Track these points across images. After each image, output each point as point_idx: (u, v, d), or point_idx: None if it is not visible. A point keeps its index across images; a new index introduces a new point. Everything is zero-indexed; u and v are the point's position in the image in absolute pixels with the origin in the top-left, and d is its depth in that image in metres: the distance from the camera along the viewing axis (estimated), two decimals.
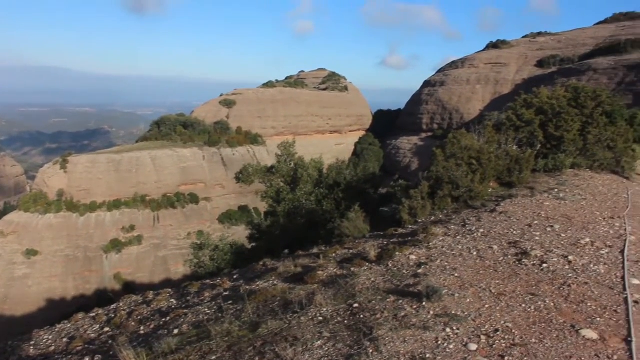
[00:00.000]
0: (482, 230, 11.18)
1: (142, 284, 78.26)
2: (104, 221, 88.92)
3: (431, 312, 6.66)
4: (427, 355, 5.68)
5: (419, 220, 14.07)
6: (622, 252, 9.82)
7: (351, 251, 11.31)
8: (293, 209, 21.27)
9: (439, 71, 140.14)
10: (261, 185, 24.76)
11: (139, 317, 11.00)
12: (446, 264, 8.86)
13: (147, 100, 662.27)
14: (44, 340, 11.21)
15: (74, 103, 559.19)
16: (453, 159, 16.12)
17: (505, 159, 18.04)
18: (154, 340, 8.37)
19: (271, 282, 10.00)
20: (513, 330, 6.25)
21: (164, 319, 9.96)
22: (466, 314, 6.65)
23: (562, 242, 10.29)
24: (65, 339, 10.97)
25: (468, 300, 7.14)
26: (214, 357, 6.51)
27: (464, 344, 5.89)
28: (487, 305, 6.97)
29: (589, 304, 7.14)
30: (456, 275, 8.24)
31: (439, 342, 5.90)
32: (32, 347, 10.96)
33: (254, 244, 23.21)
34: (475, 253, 9.50)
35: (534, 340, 6.02)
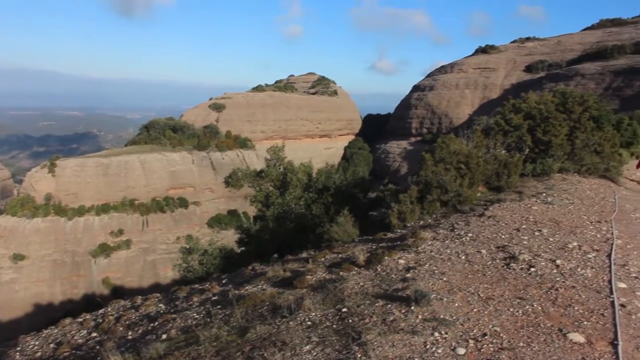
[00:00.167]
0: (470, 235, 11.22)
1: (131, 289, 77.83)
2: (92, 225, 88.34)
3: (420, 317, 6.67)
4: None
5: (408, 225, 14.09)
6: (609, 255, 9.89)
7: (340, 255, 11.31)
8: (282, 213, 21.23)
9: (428, 76, 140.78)
10: (250, 190, 24.69)
11: (127, 322, 10.94)
12: (435, 268, 8.88)
13: (136, 104, 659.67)
14: (30, 346, 11.12)
15: (63, 106, 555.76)
16: (442, 163, 16.18)
17: (494, 163, 18.12)
18: (142, 345, 8.32)
19: (260, 286, 9.98)
20: (501, 334, 6.27)
21: (152, 324, 9.91)
22: (454, 318, 6.67)
23: (550, 246, 10.35)
24: (52, 345, 10.89)
25: (456, 304, 7.16)
26: None
27: (452, 348, 5.90)
28: (475, 310, 6.99)
29: (576, 308, 7.18)
30: (445, 279, 8.26)
31: (428, 347, 5.91)
32: (18, 353, 10.86)
33: (243, 248, 23.12)
34: (463, 257, 9.53)
35: (521, 344, 6.04)
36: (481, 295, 7.56)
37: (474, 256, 9.61)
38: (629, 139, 37.38)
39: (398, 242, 11.40)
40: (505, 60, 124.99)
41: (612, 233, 11.93)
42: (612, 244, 10.87)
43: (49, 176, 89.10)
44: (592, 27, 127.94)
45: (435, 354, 5.76)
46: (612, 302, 7.43)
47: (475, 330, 6.35)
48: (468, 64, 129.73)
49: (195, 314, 9.44)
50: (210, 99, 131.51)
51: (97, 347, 9.66)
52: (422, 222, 14.16)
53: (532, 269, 8.78)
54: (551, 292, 7.73)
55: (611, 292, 7.85)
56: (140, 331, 9.83)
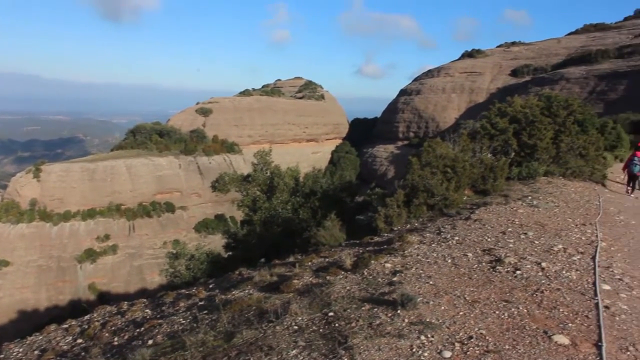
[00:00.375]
0: (457, 238, 11.27)
1: (118, 294, 77.38)
2: (78, 230, 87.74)
3: (406, 320, 6.68)
4: None
5: (395, 229, 14.12)
6: (594, 258, 9.98)
7: (327, 260, 11.31)
8: (269, 217, 21.22)
9: (415, 80, 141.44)
10: (237, 194, 24.67)
11: (113, 328, 10.85)
12: (421, 271, 8.90)
13: (123, 109, 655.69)
14: (14, 353, 11.00)
15: (48, 111, 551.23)
16: (428, 167, 16.24)
17: (480, 167, 18.23)
18: (128, 351, 8.27)
19: (247, 291, 9.95)
20: (487, 337, 6.29)
21: (138, 330, 9.84)
22: (440, 321, 6.69)
23: (536, 249, 10.41)
24: (36, 352, 10.78)
25: (442, 307, 7.18)
26: None
27: (438, 351, 5.91)
28: (461, 313, 7.01)
29: (561, 310, 7.23)
30: (431, 282, 8.28)
31: (414, 350, 5.92)
32: None
33: (230, 253, 23.08)
34: (450, 261, 9.57)
35: (507, 347, 6.07)
36: (467, 298, 7.59)
37: (460, 259, 9.65)
38: (613, 143, 37.82)
39: (385, 246, 11.42)
40: (491, 64, 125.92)
41: (597, 235, 12.04)
42: (596, 246, 10.97)
43: (34, 181, 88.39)
44: (576, 32, 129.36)
45: (422, 357, 5.77)
46: (597, 304, 7.49)
47: (461, 333, 6.37)
48: (455, 68, 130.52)
49: (181, 319, 9.38)
50: (197, 103, 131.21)
51: (83, 353, 9.58)
52: (408, 226, 14.20)
53: (518, 272, 8.83)
54: (536, 295, 7.78)
55: (595, 294, 7.92)
56: (126, 337, 9.75)
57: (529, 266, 9.19)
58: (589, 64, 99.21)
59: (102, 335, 10.38)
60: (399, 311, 6.93)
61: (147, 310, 11.85)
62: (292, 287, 8.91)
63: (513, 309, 7.18)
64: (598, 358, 5.93)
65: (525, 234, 11.69)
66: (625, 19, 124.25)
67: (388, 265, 9.45)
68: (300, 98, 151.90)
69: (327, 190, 21.45)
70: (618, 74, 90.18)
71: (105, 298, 74.02)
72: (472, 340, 6.20)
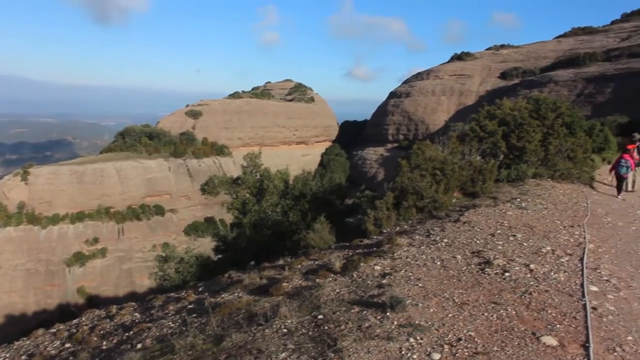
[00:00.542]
0: (446, 240, 11.30)
1: (107, 298, 76.85)
2: (67, 234, 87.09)
3: (395, 323, 6.69)
4: None
5: (384, 231, 14.14)
6: (581, 259, 10.05)
7: (316, 262, 11.31)
8: (259, 220, 21.18)
9: (405, 82, 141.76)
10: (227, 197, 24.62)
11: (101, 332, 10.80)
12: (410, 274, 8.92)
13: (111, 111, 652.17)
14: (2, 358, 10.92)
15: (36, 113, 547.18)
16: (418, 169, 16.28)
17: (469, 169, 18.30)
18: (117, 355, 8.24)
19: (236, 294, 9.94)
20: (476, 339, 6.31)
21: (127, 334, 9.80)
22: (430, 323, 6.70)
23: (524, 251, 10.47)
24: (23, 357, 10.71)
25: (431, 310, 7.20)
26: None
27: (427, 353, 5.93)
28: (450, 315, 7.04)
29: (549, 311, 7.27)
30: (420, 285, 8.30)
31: (403, 352, 5.93)
32: None
33: (219, 256, 23.01)
34: (439, 263, 9.59)
35: (495, 349, 6.09)
36: (456, 300, 7.62)
37: (449, 262, 9.68)
38: (601, 145, 38.08)
39: (374, 249, 11.44)
40: (480, 67, 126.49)
41: (585, 237, 12.12)
42: (584, 248, 11.04)
43: (21, 184, 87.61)
44: (564, 35, 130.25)
45: None
46: (584, 305, 7.54)
47: (450, 335, 6.39)
48: (444, 71, 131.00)
49: (170, 323, 9.36)
50: (187, 105, 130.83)
51: (71, 358, 9.53)
52: (398, 228, 14.22)
53: (507, 274, 8.87)
54: (525, 297, 7.82)
55: (583, 296, 7.97)
56: (115, 341, 9.71)
57: (517, 268, 9.24)
58: (577, 66, 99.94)
59: (90, 340, 10.33)
60: (388, 314, 6.94)
61: (136, 314, 11.81)
62: (281, 290, 8.91)
63: (502, 311, 7.21)
64: (585, 359, 5.97)
65: (514, 236, 11.75)
66: (613, 22, 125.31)
67: (377, 267, 9.47)
68: (290, 100, 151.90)
69: (316, 192, 21.44)
70: (606, 76, 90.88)
71: (94, 302, 73.40)
72: (461, 342, 6.22)
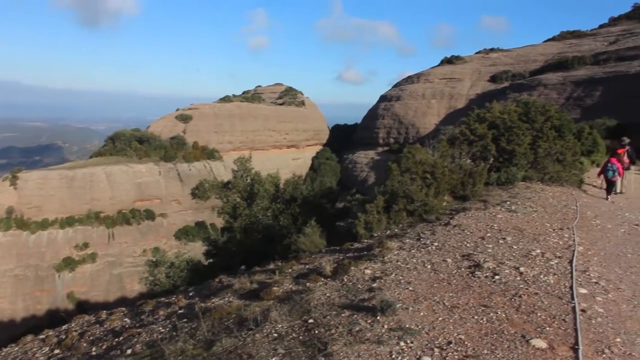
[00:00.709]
0: (436, 244, 11.33)
1: (97, 303, 76.41)
2: (56, 239, 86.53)
3: (385, 326, 6.69)
4: None
5: (375, 235, 14.16)
6: (571, 262, 10.10)
7: (307, 266, 11.30)
8: (250, 224, 21.14)
9: (395, 86, 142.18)
10: (218, 201, 24.56)
11: (91, 338, 10.72)
12: (401, 277, 8.93)
13: (101, 115, 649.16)
14: None
15: (25, 117, 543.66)
16: (408, 173, 16.33)
17: (459, 172, 18.37)
18: None
19: (226, 298, 9.90)
20: (466, 342, 6.33)
21: (117, 339, 9.73)
22: (420, 327, 6.71)
23: (514, 254, 10.51)
24: None
25: (422, 313, 7.21)
26: None
27: (417, 357, 5.93)
28: (440, 318, 7.05)
29: (538, 314, 7.30)
30: (410, 288, 8.31)
31: (393, 356, 5.93)
32: None
33: (210, 260, 22.94)
34: (429, 266, 9.61)
35: (485, 352, 6.11)
36: (446, 303, 7.63)
37: (440, 265, 9.70)
38: (590, 148, 38.38)
39: (365, 252, 11.44)
40: (470, 70, 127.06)
41: (574, 240, 12.18)
42: (573, 250, 11.10)
43: (10, 189, 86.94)
44: (553, 39, 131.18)
45: None
46: (573, 308, 7.58)
47: (440, 339, 6.40)
48: (434, 74, 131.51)
49: (161, 328, 9.31)
50: (177, 109, 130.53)
51: None
52: (388, 232, 14.24)
53: (497, 277, 8.90)
54: (515, 299, 7.84)
55: (572, 298, 8.01)
56: (104, 347, 9.64)
57: (507, 271, 9.27)
58: (565, 70, 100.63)
59: (80, 346, 10.25)
60: (378, 317, 6.94)
61: (126, 319, 11.73)
62: (272, 294, 8.89)
63: (492, 314, 7.23)
64: None
65: (504, 239, 11.80)
66: (601, 26, 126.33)
67: (368, 271, 9.47)
68: (281, 104, 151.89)
69: (307, 196, 21.44)
70: (594, 80, 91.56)
71: (84, 307, 72.96)
72: (451, 345, 6.23)
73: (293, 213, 20.44)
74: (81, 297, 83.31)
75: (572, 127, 29.87)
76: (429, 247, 11.04)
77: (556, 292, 8.32)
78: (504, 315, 7.21)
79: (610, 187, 22.42)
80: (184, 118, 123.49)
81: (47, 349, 10.96)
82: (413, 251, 10.82)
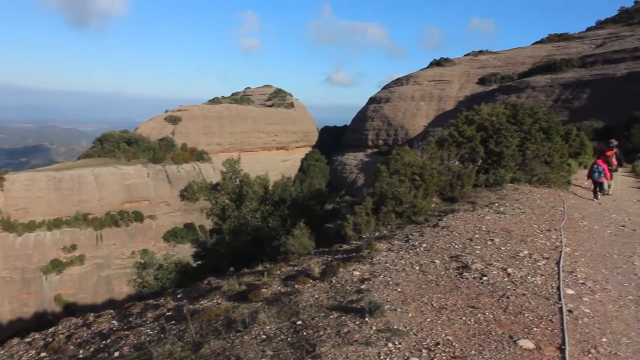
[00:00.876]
0: (424, 245, 11.35)
1: (85, 305, 75.99)
2: (44, 241, 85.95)
3: (374, 328, 6.69)
4: None
5: (363, 236, 14.16)
6: (558, 263, 10.15)
7: (296, 268, 11.29)
8: (238, 226, 21.09)
9: (384, 88, 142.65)
10: (207, 203, 24.49)
11: (78, 341, 10.64)
12: (389, 279, 8.94)
13: (90, 116, 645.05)
14: None
15: (12, 118, 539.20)
16: (396, 175, 16.36)
17: (448, 174, 18.43)
18: None
19: (215, 300, 9.87)
20: (454, 343, 6.34)
21: (104, 342, 9.67)
22: (408, 328, 6.72)
23: (502, 255, 10.55)
24: None
25: (410, 314, 7.22)
26: None
27: (405, 358, 5.94)
28: (428, 319, 7.06)
29: (526, 315, 7.33)
30: (399, 290, 8.32)
31: (382, 357, 5.93)
32: None
33: (199, 262, 22.87)
34: (417, 268, 9.63)
35: (473, 352, 6.12)
36: (434, 305, 7.65)
37: (428, 266, 9.72)
38: (577, 150, 38.69)
39: (353, 254, 11.45)
40: (459, 72, 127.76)
41: (561, 241, 12.25)
42: (560, 251, 11.16)
43: None
44: (541, 42, 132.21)
45: None
46: (560, 308, 7.62)
47: (428, 340, 6.41)
48: (423, 76, 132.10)
49: (149, 330, 9.26)
50: (166, 111, 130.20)
51: None
52: (377, 234, 14.25)
53: (485, 278, 8.93)
54: (502, 300, 7.87)
55: (559, 299, 8.06)
56: (91, 349, 9.57)
57: (495, 272, 9.30)
58: (553, 72, 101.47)
59: (67, 348, 10.17)
60: (366, 319, 6.94)
61: (113, 322, 11.65)
62: (260, 296, 8.87)
63: (479, 315, 7.25)
64: None
65: (492, 240, 11.84)
66: (588, 29, 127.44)
67: (356, 273, 9.47)
68: (270, 106, 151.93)
69: (296, 198, 21.43)
70: (582, 82, 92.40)
71: (71, 310, 72.47)
72: (439, 346, 6.24)
73: (282, 215, 20.42)
74: (69, 299, 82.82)
75: (560, 129, 30.03)
76: (418, 249, 11.06)
77: (543, 293, 8.36)
78: (491, 316, 7.24)
79: (597, 188, 22.58)
80: (173, 120, 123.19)
81: (34, 352, 10.86)
82: (401, 252, 10.84)
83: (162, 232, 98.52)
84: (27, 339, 12.09)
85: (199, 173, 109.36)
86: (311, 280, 9.36)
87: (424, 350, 6.13)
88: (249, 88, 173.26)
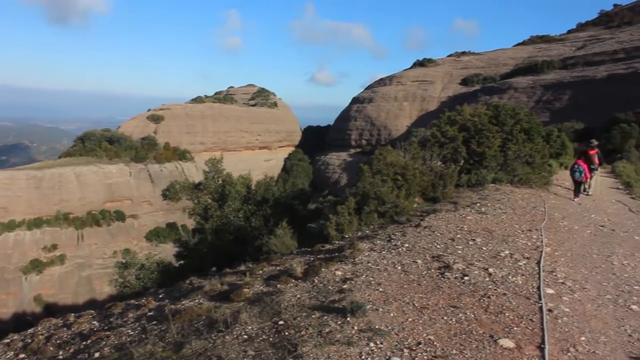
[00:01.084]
0: (407, 245, 11.38)
1: (65, 306, 75.16)
2: (23, 240, 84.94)
3: (355, 328, 6.69)
4: None
5: (346, 236, 14.17)
6: (539, 263, 10.25)
7: (278, 268, 11.26)
8: (221, 225, 21.00)
9: (368, 88, 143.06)
10: (189, 202, 24.36)
11: (58, 342, 10.52)
12: (371, 279, 8.95)
13: (71, 115, 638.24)
14: None
15: None
16: (379, 175, 16.40)
17: (430, 174, 18.51)
18: None
19: (197, 300, 9.82)
20: (435, 343, 6.37)
21: (84, 343, 9.57)
22: (390, 328, 6.73)
23: (483, 255, 10.62)
24: None
25: (392, 314, 7.23)
26: None
27: (387, 357, 5.95)
28: (410, 319, 7.08)
29: (507, 314, 7.39)
30: (381, 290, 8.33)
31: (363, 357, 5.93)
32: None
33: (181, 262, 22.74)
34: (399, 267, 9.65)
35: (454, 352, 6.15)
36: (416, 304, 7.67)
37: (410, 266, 9.75)
38: (558, 150, 39.09)
39: (336, 254, 11.45)
40: (442, 73, 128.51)
41: (542, 241, 12.37)
42: (541, 251, 11.27)
43: None
44: (523, 43, 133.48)
45: None
46: (540, 308, 7.69)
47: (409, 340, 6.43)
48: (406, 77, 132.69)
49: (130, 331, 9.18)
50: (149, 110, 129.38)
51: None
52: (359, 233, 14.27)
53: (466, 278, 8.98)
54: (483, 300, 7.93)
55: (539, 298, 8.13)
56: (71, 350, 9.47)
57: (476, 272, 9.36)
58: (535, 74, 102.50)
59: (46, 350, 10.05)
60: (348, 319, 6.94)
61: (94, 322, 11.54)
62: (242, 296, 8.84)
63: (461, 315, 7.29)
64: None
65: (474, 240, 11.91)
66: (569, 31, 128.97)
67: (338, 272, 9.48)
68: (253, 105, 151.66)
69: (279, 198, 21.40)
70: (562, 84, 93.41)
71: (52, 310, 71.60)
72: (420, 346, 6.26)
73: (265, 214, 20.38)
74: (49, 300, 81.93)
75: (541, 130, 30.35)
76: (400, 249, 11.09)
77: (524, 293, 8.43)
78: (472, 315, 7.28)
79: (577, 188, 22.81)
80: (156, 118, 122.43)
81: (12, 353, 10.72)
82: (384, 252, 10.86)
83: (144, 232, 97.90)
84: (6, 340, 11.92)
85: (181, 172, 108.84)
86: (293, 280, 9.35)
87: (405, 350, 6.14)
88: (232, 87, 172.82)
